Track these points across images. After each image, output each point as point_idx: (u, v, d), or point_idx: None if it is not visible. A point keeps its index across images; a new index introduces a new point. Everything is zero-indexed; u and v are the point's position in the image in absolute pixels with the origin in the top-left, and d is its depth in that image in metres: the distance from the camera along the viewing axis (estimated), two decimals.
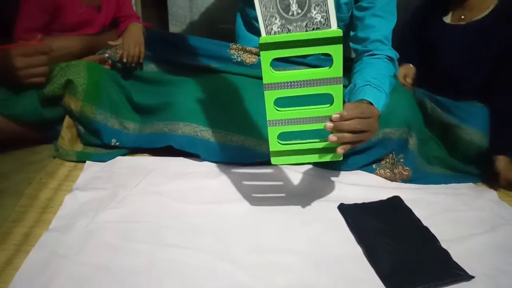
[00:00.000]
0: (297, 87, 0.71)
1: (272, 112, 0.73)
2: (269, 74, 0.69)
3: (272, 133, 0.75)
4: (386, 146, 1.01)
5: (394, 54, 1.01)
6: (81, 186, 0.92)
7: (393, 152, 1.02)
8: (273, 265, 0.74)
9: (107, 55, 1.19)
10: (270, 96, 0.72)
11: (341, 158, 0.77)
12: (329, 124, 0.73)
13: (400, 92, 1.03)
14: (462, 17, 1.09)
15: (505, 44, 1.02)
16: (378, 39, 1.00)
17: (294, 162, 0.78)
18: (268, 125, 0.74)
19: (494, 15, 1.04)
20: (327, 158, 0.77)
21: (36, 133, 1.06)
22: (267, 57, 0.68)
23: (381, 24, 1.00)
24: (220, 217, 0.85)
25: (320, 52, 0.67)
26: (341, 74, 0.69)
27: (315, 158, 0.77)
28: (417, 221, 0.86)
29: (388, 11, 1.01)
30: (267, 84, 0.70)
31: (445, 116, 1.06)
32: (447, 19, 1.12)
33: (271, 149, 0.76)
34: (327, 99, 0.73)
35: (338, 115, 0.72)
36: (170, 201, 0.89)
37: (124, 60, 1.13)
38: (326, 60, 1.18)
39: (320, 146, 0.76)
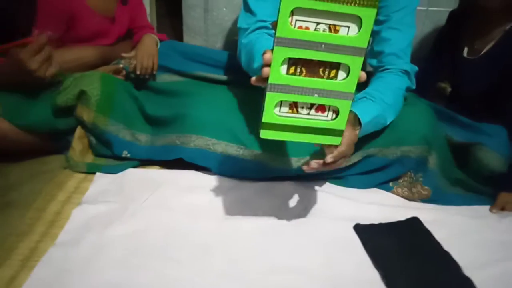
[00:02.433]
0: (313, 49, 0.60)
1: (277, 74, 0.61)
2: (286, 27, 0.58)
3: (271, 100, 0.63)
4: (404, 164, 0.97)
5: (410, 68, 0.98)
6: (90, 199, 0.91)
7: (411, 171, 0.98)
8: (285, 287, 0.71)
9: (121, 65, 1.18)
10: (280, 54, 0.59)
11: (339, 143, 0.70)
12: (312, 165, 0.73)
13: (419, 108, 0.99)
14: (476, 47, 1.08)
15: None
16: (392, 52, 0.97)
17: (286, 139, 0.69)
18: (268, 89, 0.62)
19: (502, 44, 1.03)
20: (325, 140, 0.69)
21: (47, 143, 1.06)
22: (288, 4, 0.56)
23: (397, 37, 0.97)
24: (231, 234, 0.83)
25: (347, 12, 0.57)
26: (366, 45, 0.60)
27: (311, 138, 0.68)
28: (437, 244, 0.82)
29: (405, 23, 0.98)
30: (281, 38, 0.58)
31: (463, 135, 1.02)
32: (465, 52, 1.12)
33: (264, 119, 0.65)
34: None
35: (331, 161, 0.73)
36: (180, 217, 0.87)
37: (138, 72, 1.13)
38: None
39: (321, 125, 0.67)
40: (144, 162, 1.06)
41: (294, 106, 0.66)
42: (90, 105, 1.02)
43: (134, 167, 1.05)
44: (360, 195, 0.98)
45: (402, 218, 0.90)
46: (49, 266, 0.71)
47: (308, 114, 0.67)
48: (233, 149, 1.00)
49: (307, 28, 0.59)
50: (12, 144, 0.99)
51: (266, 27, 0.95)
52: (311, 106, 0.66)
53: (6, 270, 0.70)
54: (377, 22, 1.00)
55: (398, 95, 0.91)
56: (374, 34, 1.01)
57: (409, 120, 0.94)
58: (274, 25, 0.58)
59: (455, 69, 1.15)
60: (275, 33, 0.58)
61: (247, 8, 0.97)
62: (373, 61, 1.01)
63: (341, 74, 0.63)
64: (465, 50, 1.11)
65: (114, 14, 1.20)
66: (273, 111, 0.65)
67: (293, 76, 0.62)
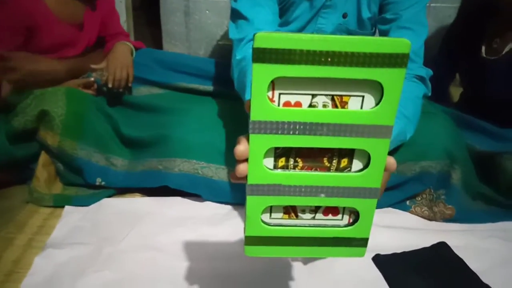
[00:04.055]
0: (310, 134, 0.38)
1: (259, 172, 0.40)
2: (265, 106, 0.37)
3: (254, 206, 0.41)
4: (423, 181, 0.85)
5: (425, 72, 0.86)
6: (57, 242, 0.76)
7: (431, 187, 0.86)
8: None
9: (92, 78, 1.03)
10: (259, 144, 0.38)
11: (363, 255, 0.44)
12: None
13: (438, 118, 0.88)
14: (494, 46, 1.00)
15: None
16: None
17: (283, 255, 0.45)
18: (249, 192, 0.40)
19: None
20: (342, 253, 0.44)
21: (6, 175, 0.90)
22: (264, 73, 0.36)
23: (409, 38, 0.84)
24: (228, 278, 0.69)
25: (362, 77, 0.36)
26: (393, 121, 0.38)
27: (320, 251, 0.44)
28: (474, 277, 0.70)
29: (416, 22, 0.86)
30: (258, 122, 0.37)
31: (488, 144, 0.91)
32: (483, 51, 1.03)
33: (248, 232, 0.43)
34: None
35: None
36: (167, 259, 0.73)
37: (110, 85, 0.98)
38: None
39: (334, 235, 0.43)
40: (123, 190, 0.92)
41: (291, 209, 0.44)
42: (54, 127, 0.87)
43: (110, 196, 0.90)
44: (375, 217, 0.85)
45: (426, 243, 0.78)
46: None
47: (314, 218, 0.44)
48: (224, 173, 0.86)
49: (297, 103, 0.39)
50: None
51: None
52: (316, 208, 0.44)
53: None
54: (385, 21, 0.87)
55: (416, 105, 0.79)
56: (381, 34, 0.89)
57: (428, 132, 0.82)
58: (248, 106, 0.37)
59: (472, 70, 1.04)
60: (249, 115, 0.37)
61: (239, 16, 0.83)
62: None
63: (357, 163, 0.41)
64: (483, 49, 1.01)
65: (81, 21, 1.05)
66: (260, 219, 0.42)
67: (284, 172, 0.41)
